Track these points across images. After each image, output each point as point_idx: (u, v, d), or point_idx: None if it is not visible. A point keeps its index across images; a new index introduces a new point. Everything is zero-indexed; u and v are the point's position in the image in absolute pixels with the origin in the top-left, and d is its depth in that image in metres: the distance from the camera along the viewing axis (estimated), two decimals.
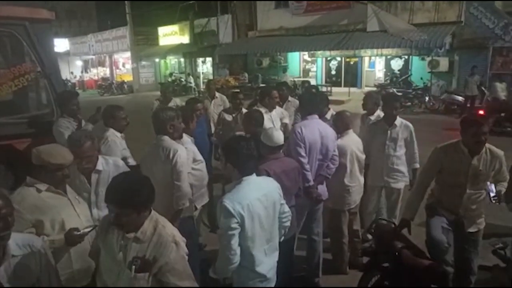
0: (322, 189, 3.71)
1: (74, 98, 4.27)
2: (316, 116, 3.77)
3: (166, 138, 3.23)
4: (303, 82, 16.34)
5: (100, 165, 2.86)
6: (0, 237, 1.76)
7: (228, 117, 5.51)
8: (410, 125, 4.24)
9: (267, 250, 2.43)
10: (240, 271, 2.36)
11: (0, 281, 1.81)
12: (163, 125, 3.27)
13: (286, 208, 2.61)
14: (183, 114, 3.76)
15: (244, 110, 5.66)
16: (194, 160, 3.60)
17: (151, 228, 1.97)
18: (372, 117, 4.71)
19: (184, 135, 3.63)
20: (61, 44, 30.15)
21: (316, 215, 3.80)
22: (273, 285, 2.51)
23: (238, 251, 2.27)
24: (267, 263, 2.43)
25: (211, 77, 23.04)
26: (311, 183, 3.52)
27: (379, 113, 4.68)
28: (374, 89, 16.69)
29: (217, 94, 6.74)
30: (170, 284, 1.97)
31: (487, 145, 3.07)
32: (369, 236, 4.13)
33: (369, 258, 3.33)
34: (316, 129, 3.63)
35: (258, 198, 2.34)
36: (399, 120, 4.22)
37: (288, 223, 2.65)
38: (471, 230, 3.19)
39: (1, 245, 1.83)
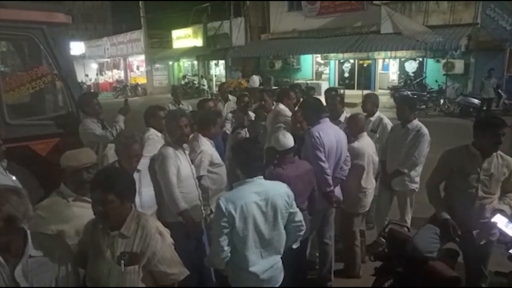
0: (338, 191, 3.69)
1: (94, 99, 4.46)
2: (328, 119, 3.75)
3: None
4: (308, 88, 16.28)
5: (141, 165, 2.92)
6: (7, 231, 1.77)
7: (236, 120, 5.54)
8: (424, 131, 4.12)
9: (264, 252, 2.43)
10: (233, 268, 2.45)
11: (17, 281, 1.83)
12: (169, 128, 3.35)
13: (298, 217, 2.56)
14: (205, 118, 3.75)
15: (250, 113, 5.70)
16: (212, 164, 3.53)
17: (134, 223, 2.05)
18: (372, 119, 4.71)
19: (202, 137, 3.60)
20: (77, 47, 30.65)
21: (329, 219, 3.79)
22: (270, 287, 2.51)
23: (226, 248, 2.34)
24: (262, 265, 2.43)
25: (223, 79, 23.14)
26: (332, 187, 3.50)
27: (379, 114, 4.75)
28: (388, 91, 16.60)
29: (230, 96, 6.79)
30: (160, 273, 2.08)
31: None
32: (382, 240, 4.11)
33: (381, 262, 3.29)
34: (331, 132, 3.60)
35: (256, 201, 2.35)
36: (414, 124, 4.16)
37: (301, 232, 2.63)
38: (481, 242, 3.10)
39: (17, 244, 1.85)
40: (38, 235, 1.99)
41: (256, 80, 18.77)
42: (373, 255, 3.33)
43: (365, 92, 17.32)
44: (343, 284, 3.95)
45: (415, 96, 14.40)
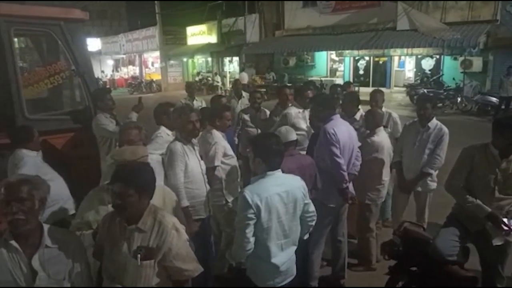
0: (351, 187, 3.68)
1: (108, 94, 4.51)
2: (339, 115, 3.74)
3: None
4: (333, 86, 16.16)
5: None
6: (15, 220, 1.83)
7: (247, 117, 5.54)
8: (445, 129, 4.07)
9: (284, 244, 2.49)
10: (254, 260, 2.48)
11: (35, 269, 1.90)
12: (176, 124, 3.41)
13: (311, 208, 2.65)
14: (212, 111, 3.85)
15: (263, 109, 5.69)
16: (225, 155, 3.68)
17: (151, 218, 2.08)
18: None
19: (215, 130, 3.73)
20: (93, 44, 31.06)
21: (343, 216, 3.78)
22: (288, 279, 2.57)
23: (252, 239, 2.38)
24: (282, 256, 2.49)
25: (237, 76, 23.17)
26: (348, 183, 3.50)
27: (385, 109, 4.83)
28: (404, 89, 16.38)
29: (243, 93, 6.77)
30: (175, 268, 2.10)
31: None
32: (397, 239, 4.08)
33: (396, 261, 3.26)
34: (344, 128, 3.60)
35: (279, 193, 2.42)
36: (434, 123, 4.10)
37: (313, 223, 2.69)
38: (498, 243, 2.99)
39: (33, 234, 1.92)
40: (54, 229, 2.05)
41: (244, 76, 19.08)
42: (387, 253, 3.30)
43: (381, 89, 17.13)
44: (356, 280, 3.93)
45: (431, 94, 14.21)
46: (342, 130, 3.55)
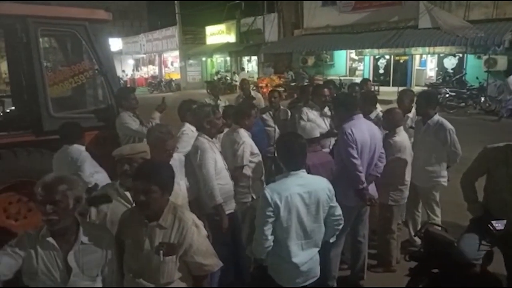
0: (372, 188, 3.64)
1: (132, 93, 4.63)
2: (361, 115, 3.70)
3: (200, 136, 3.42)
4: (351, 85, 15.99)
5: (173, 160, 2.99)
6: (48, 220, 1.88)
7: (265, 116, 5.55)
8: (448, 125, 4.12)
9: (304, 245, 2.50)
10: (274, 259, 2.50)
11: (70, 265, 1.96)
12: (200, 122, 3.43)
13: (338, 211, 2.62)
14: (240, 110, 3.90)
15: (282, 108, 5.69)
16: (252, 154, 3.73)
17: (171, 215, 2.11)
18: (410, 115, 4.69)
19: (242, 129, 3.76)
20: (114, 44, 31.59)
21: (363, 217, 3.74)
22: (310, 280, 2.58)
23: (270, 237, 2.41)
24: (302, 256, 2.49)
25: (256, 75, 23.21)
26: (365, 184, 3.46)
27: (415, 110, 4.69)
28: (425, 88, 16.08)
29: (252, 93, 6.72)
30: (195, 264, 2.14)
31: None
32: (416, 240, 4.04)
33: (416, 262, 3.22)
34: (364, 128, 3.55)
35: (300, 193, 2.42)
36: (435, 119, 4.16)
37: (339, 227, 2.67)
38: None
39: (69, 231, 1.98)
40: (89, 224, 2.12)
41: (244, 75, 19.35)
42: (408, 255, 3.26)
43: (401, 89, 16.87)
44: (376, 282, 3.89)
45: (453, 94, 13.92)
46: (362, 130, 3.51)
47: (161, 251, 2.04)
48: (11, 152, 4.02)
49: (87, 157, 3.62)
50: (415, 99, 4.72)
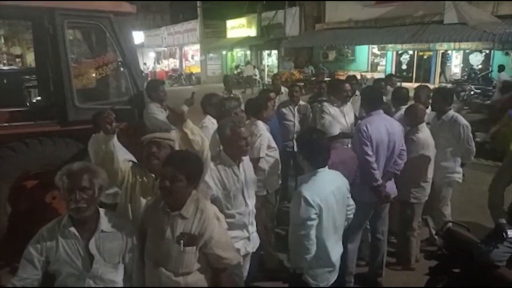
0: (391, 186, 3.59)
1: (161, 85, 4.76)
2: (381, 111, 3.65)
3: None
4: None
5: None
6: (77, 208, 1.94)
7: (285, 110, 5.52)
8: (462, 121, 4.10)
9: (337, 241, 2.51)
10: (312, 262, 2.42)
11: (91, 253, 2.01)
12: (227, 114, 3.45)
13: (351, 201, 2.67)
14: (257, 103, 3.94)
15: (302, 103, 5.65)
16: (269, 147, 3.74)
17: (193, 206, 2.13)
18: (428, 111, 4.52)
19: (260, 122, 3.80)
20: (136, 37, 31.93)
21: (382, 214, 3.71)
22: (337, 275, 2.59)
23: (315, 241, 2.35)
24: (337, 253, 2.51)
25: (276, 70, 23.12)
26: (379, 182, 3.42)
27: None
28: (450, 85, 15.70)
29: (282, 89, 6.72)
30: (215, 256, 2.15)
31: None
32: (436, 238, 4.00)
33: (436, 261, 3.17)
34: (382, 125, 3.50)
35: (332, 191, 2.42)
36: (449, 115, 4.16)
37: (352, 215, 2.71)
38: None
39: (90, 219, 2.04)
40: (109, 213, 2.16)
41: (249, 68, 19.75)
42: (428, 253, 3.22)
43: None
44: (394, 279, 3.86)
45: (479, 91, 13.54)
46: (378, 126, 3.47)
47: (182, 241, 2.07)
48: (37, 141, 4.13)
49: (118, 145, 3.67)
50: (431, 95, 4.68)
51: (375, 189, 3.43)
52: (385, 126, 3.51)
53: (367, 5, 17.93)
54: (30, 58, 26.58)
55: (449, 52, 17.47)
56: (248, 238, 2.96)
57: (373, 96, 3.68)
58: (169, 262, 2.12)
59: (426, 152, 3.86)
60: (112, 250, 2.07)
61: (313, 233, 2.32)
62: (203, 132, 3.77)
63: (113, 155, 2.38)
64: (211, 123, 3.95)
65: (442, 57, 17.26)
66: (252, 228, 2.98)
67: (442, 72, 17.56)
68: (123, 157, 2.79)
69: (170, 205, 2.11)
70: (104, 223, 2.07)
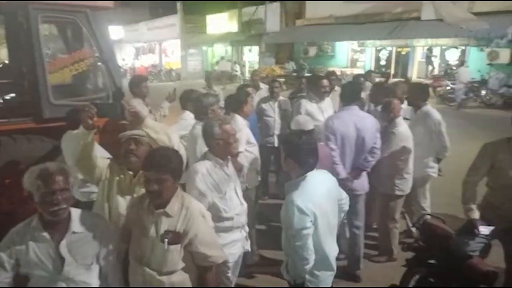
0: (360, 182, 3.62)
1: (144, 82, 4.78)
2: (355, 107, 3.69)
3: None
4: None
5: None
6: (59, 210, 1.89)
7: (265, 106, 5.54)
8: (434, 116, 4.22)
9: (332, 242, 2.45)
10: (313, 269, 2.32)
11: (62, 255, 1.95)
12: (205, 110, 3.46)
13: (344, 194, 2.61)
14: (237, 98, 3.95)
15: (282, 98, 5.68)
16: (248, 143, 3.74)
17: (178, 203, 2.10)
18: (404, 106, 4.63)
19: (239, 117, 3.79)
20: (115, 32, 31.34)
21: (355, 209, 3.71)
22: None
23: (313, 250, 2.24)
24: (333, 254, 2.45)
25: (256, 65, 23.10)
26: (341, 176, 3.47)
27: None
28: (427, 81, 16.02)
29: (261, 85, 6.71)
30: (200, 254, 2.12)
31: None
32: (414, 231, 4.09)
33: (414, 253, 3.25)
34: (350, 120, 3.54)
35: (324, 194, 2.33)
36: (423, 110, 4.28)
37: (346, 207, 2.64)
38: None
39: (61, 221, 1.96)
40: (82, 213, 2.09)
41: (225, 64, 20.06)
42: (406, 246, 3.29)
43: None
44: (373, 271, 3.93)
45: (454, 86, 13.87)
46: (346, 121, 3.51)
47: (166, 239, 2.04)
48: (11, 139, 4.02)
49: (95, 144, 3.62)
50: (404, 91, 4.82)
51: (340, 183, 3.46)
52: (353, 122, 3.53)
53: (347, 1, 18.04)
54: (3, 54, 25.79)
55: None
56: (246, 238, 2.93)
57: (349, 91, 3.73)
58: (153, 261, 2.09)
59: (407, 144, 3.96)
60: (84, 252, 2.01)
61: (310, 242, 2.21)
62: (180, 124, 3.82)
63: (91, 152, 2.34)
64: (190, 117, 3.97)
65: (428, 50, 17.51)
66: (246, 226, 2.95)
67: (430, 64, 17.86)
68: (100, 154, 2.77)
69: (155, 203, 2.08)
70: (76, 224, 2.01)
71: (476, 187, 3.14)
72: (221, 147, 2.69)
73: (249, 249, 3.04)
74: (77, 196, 3.18)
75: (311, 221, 2.20)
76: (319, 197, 2.28)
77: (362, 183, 3.66)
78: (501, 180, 3.01)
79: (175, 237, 2.06)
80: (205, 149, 3.09)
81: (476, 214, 2.95)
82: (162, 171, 2.00)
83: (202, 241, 2.11)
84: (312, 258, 2.24)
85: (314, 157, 2.33)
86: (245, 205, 2.90)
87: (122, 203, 2.41)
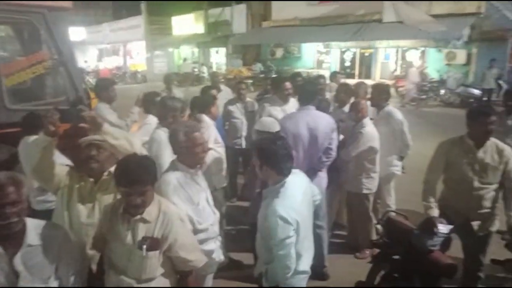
0: (317, 182, 3.55)
1: (111, 85, 4.58)
2: (311, 107, 3.71)
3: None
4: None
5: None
6: (9, 224, 1.75)
7: (232, 108, 5.53)
8: (396, 116, 4.36)
9: (310, 245, 2.44)
10: (293, 276, 2.28)
11: (16, 269, 1.80)
12: (170, 114, 3.32)
13: (316, 190, 2.62)
14: (204, 100, 3.93)
15: (249, 100, 5.69)
16: (216, 142, 3.72)
17: (155, 208, 2.05)
18: (345, 109, 4.75)
19: (205, 116, 3.78)
20: (77, 33, 30.38)
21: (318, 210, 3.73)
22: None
23: (295, 257, 2.22)
24: (311, 257, 2.44)
25: (224, 67, 23.05)
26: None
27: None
28: (388, 82, 16.51)
29: (222, 87, 6.66)
30: (180, 259, 2.08)
31: (493, 140, 3.04)
32: (380, 228, 4.20)
33: (379, 250, 3.33)
34: (303, 120, 3.56)
35: (302, 199, 2.31)
36: (385, 110, 4.42)
37: (319, 201, 2.70)
38: (481, 233, 3.15)
39: (16, 233, 1.82)
40: (38, 224, 1.96)
41: (187, 65, 19.90)
42: (371, 243, 3.36)
43: (366, 82, 17.15)
44: (340, 268, 3.99)
45: (419, 86, 14.35)
46: (298, 121, 3.53)
47: (144, 246, 1.97)
48: None
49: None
50: (366, 91, 5.00)
51: None
52: (305, 122, 3.54)
53: (312, 4, 18.34)
54: None
55: (388, 49, 18.33)
56: (220, 247, 2.84)
57: (305, 92, 3.77)
58: (131, 269, 2.02)
59: (374, 144, 4.06)
60: (41, 265, 1.87)
61: (293, 250, 2.18)
62: (145, 129, 3.69)
63: (51, 159, 2.24)
64: (154, 122, 3.80)
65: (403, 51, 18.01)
66: (220, 236, 2.86)
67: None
68: (58, 160, 2.65)
69: (138, 214, 2.01)
70: (32, 236, 1.86)
71: (435, 184, 3.26)
72: (187, 156, 2.55)
73: (224, 259, 2.96)
74: (33, 205, 3.04)
75: (294, 229, 2.17)
76: (300, 203, 2.25)
77: (319, 183, 3.63)
78: (456, 177, 3.15)
79: (154, 243, 2.00)
80: (167, 155, 3.02)
81: (435, 212, 3.05)
82: (145, 183, 1.95)
83: (181, 245, 2.07)
84: (293, 265, 2.21)
85: (291, 161, 2.28)
86: (218, 213, 2.81)
87: (83, 211, 2.31)
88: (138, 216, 2.00)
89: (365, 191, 4.15)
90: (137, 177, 1.93)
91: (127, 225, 2.02)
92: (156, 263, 2.03)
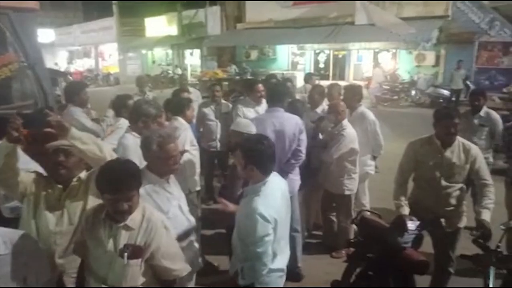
0: (289, 184, 3.53)
1: (83, 89, 4.50)
2: (279, 109, 3.71)
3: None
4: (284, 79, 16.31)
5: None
6: None
7: (207, 110, 5.50)
8: (369, 116, 4.47)
9: (287, 244, 2.45)
10: (268, 274, 2.29)
11: None
12: (143, 119, 3.16)
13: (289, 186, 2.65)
14: (180, 102, 3.91)
15: (223, 102, 5.69)
16: (191, 144, 3.70)
17: (139, 215, 1.99)
18: (318, 110, 4.83)
19: (182, 120, 3.76)
20: (46, 35, 29.53)
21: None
22: None
23: (272, 255, 2.24)
24: (287, 256, 2.46)
25: (199, 69, 22.89)
26: None
27: (324, 106, 4.85)
28: (361, 83, 16.82)
29: (191, 89, 6.63)
30: (163, 268, 2.03)
31: (460, 139, 3.14)
32: (354, 227, 4.26)
33: (354, 249, 3.38)
34: (269, 122, 3.57)
35: (281, 198, 2.34)
36: (359, 111, 4.52)
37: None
38: (450, 230, 3.25)
39: None
40: (5, 232, 1.89)
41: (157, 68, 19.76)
42: (346, 242, 3.41)
43: (340, 83, 17.40)
44: (316, 268, 4.02)
45: (387, 87, 14.70)
46: (264, 123, 3.53)
47: (126, 254, 1.91)
48: None
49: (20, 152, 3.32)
50: (339, 92, 5.04)
51: None
52: (272, 123, 3.55)
53: (285, 6, 18.48)
54: None
55: (361, 51, 18.68)
56: (197, 254, 2.77)
57: (273, 94, 3.80)
58: (112, 277, 1.96)
59: (355, 145, 4.13)
60: (8, 275, 1.81)
61: (270, 249, 2.21)
62: (117, 133, 3.59)
63: (14, 166, 2.16)
64: (126, 125, 3.72)
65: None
66: (196, 243, 2.77)
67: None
68: (26, 166, 2.55)
69: (124, 220, 1.95)
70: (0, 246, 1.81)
71: (406, 183, 3.34)
72: (157, 165, 2.45)
73: (202, 266, 2.92)
74: (4, 212, 2.93)
75: (272, 228, 2.19)
76: (279, 202, 2.29)
77: (292, 185, 3.59)
78: (424, 176, 3.25)
79: (136, 251, 1.94)
80: (134, 159, 2.96)
81: (405, 210, 3.13)
82: (132, 188, 1.90)
83: (165, 254, 2.01)
84: (270, 263, 2.24)
85: (274, 161, 2.35)
86: (193, 220, 2.72)
87: (52, 219, 2.24)
88: (122, 223, 1.94)
89: (347, 192, 4.21)
90: (123, 183, 1.88)
91: (109, 231, 1.96)
92: (138, 271, 1.97)
